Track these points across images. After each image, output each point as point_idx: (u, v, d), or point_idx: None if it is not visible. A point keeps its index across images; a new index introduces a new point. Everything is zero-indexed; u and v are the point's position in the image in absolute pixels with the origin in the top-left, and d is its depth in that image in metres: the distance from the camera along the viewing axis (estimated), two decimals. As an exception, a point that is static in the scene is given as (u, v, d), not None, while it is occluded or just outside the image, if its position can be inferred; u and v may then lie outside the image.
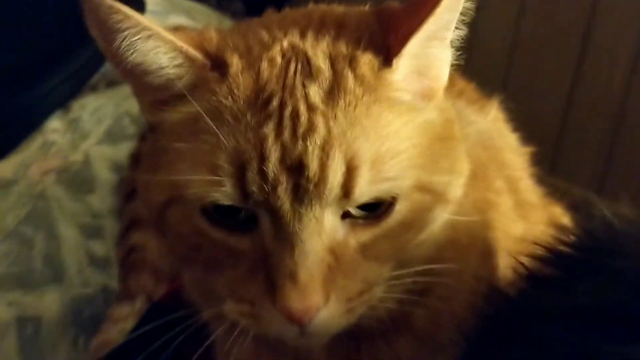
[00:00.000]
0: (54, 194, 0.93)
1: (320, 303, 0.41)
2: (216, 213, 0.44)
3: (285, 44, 0.45)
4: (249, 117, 0.42)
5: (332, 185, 0.41)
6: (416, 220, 0.45)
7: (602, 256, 0.47)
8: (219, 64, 0.45)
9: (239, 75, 0.44)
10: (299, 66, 0.44)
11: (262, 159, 0.41)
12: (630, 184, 1.19)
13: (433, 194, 0.46)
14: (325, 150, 0.41)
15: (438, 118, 0.47)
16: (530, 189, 0.73)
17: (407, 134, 0.44)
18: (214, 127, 0.42)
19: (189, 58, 0.45)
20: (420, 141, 0.45)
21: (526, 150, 0.80)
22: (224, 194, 0.42)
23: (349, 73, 0.43)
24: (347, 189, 0.41)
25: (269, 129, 0.42)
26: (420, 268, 0.47)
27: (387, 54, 0.44)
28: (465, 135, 0.55)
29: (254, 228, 0.43)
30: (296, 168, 0.41)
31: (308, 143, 0.41)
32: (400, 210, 0.44)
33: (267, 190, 0.41)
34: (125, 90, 0.50)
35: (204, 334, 0.50)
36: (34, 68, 1.03)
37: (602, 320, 0.44)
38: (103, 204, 0.95)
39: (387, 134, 0.43)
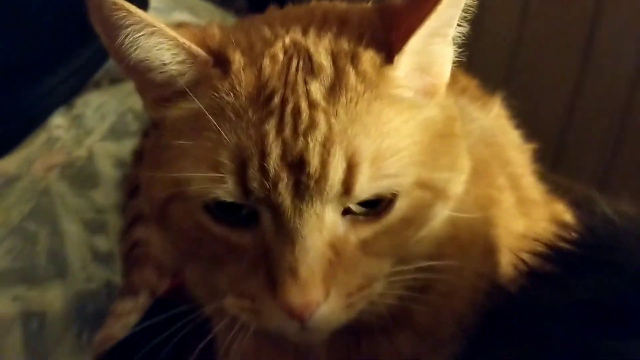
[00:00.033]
0: (57, 189, 0.93)
1: (321, 298, 0.42)
2: (218, 209, 0.44)
3: (287, 40, 0.45)
4: (250, 113, 0.42)
5: (332, 181, 0.41)
6: (416, 217, 0.46)
7: (603, 253, 0.47)
8: (221, 61, 0.45)
9: (241, 71, 0.44)
10: (301, 63, 0.44)
11: (263, 155, 0.41)
12: (633, 181, 1.18)
13: (433, 191, 0.46)
14: (326, 147, 0.41)
15: (439, 115, 0.47)
16: (532, 186, 0.73)
17: (408, 131, 0.44)
18: (216, 123, 0.42)
19: (191, 54, 0.45)
20: (421, 138, 0.45)
21: (529, 147, 0.80)
22: (226, 190, 0.42)
23: (351, 70, 0.43)
24: (347, 185, 0.42)
25: (270, 126, 0.42)
26: (420, 264, 0.47)
27: (389, 51, 0.44)
28: (468, 132, 0.55)
29: (256, 224, 0.44)
30: (297, 165, 0.41)
31: (309, 140, 0.41)
32: (400, 206, 0.44)
33: (268, 186, 0.41)
34: (129, 87, 0.50)
35: (206, 329, 0.51)
36: (37, 65, 1.03)
37: (601, 316, 0.44)
38: (106, 199, 0.95)
39: (388, 131, 0.43)
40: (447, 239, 0.50)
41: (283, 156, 0.41)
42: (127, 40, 0.44)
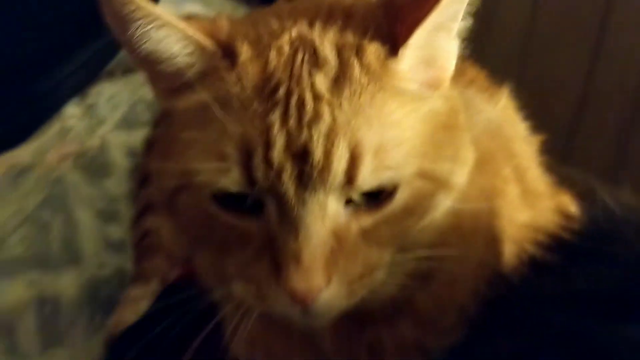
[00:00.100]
0: (71, 179, 0.95)
1: (322, 284, 0.42)
2: (225, 198, 0.45)
3: (293, 33, 0.46)
4: (256, 105, 0.43)
5: (336, 172, 0.42)
6: (417, 207, 0.46)
7: (602, 244, 0.47)
8: (229, 53, 0.45)
9: (248, 63, 0.44)
10: (306, 55, 0.44)
11: (268, 146, 0.42)
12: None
13: (435, 182, 0.46)
14: (330, 139, 0.42)
15: (443, 107, 0.48)
16: (538, 178, 0.73)
17: (411, 123, 0.45)
18: (222, 115, 0.43)
19: (199, 46, 0.45)
20: (425, 130, 0.45)
21: (536, 139, 0.80)
22: (231, 181, 0.43)
23: (355, 62, 0.44)
24: (350, 176, 0.42)
25: (275, 117, 0.42)
26: (422, 253, 0.48)
27: (393, 44, 0.45)
28: (474, 124, 0.55)
29: (261, 212, 0.44)
30: (301, 155, 0.42)
31: (313, 131, 0.42)
32: (401, 196, 0.45)
33: (272, 176, 0.42)
34: (141, 77, 0.51)
35: (214, 314, 0.52)
36: (50, 55, 1.05)
37: (600, 305, 0.45)
38: (119, 188, 0.97)
39: (391, 123, 0.44)
40: (450, 229, 0.50)
41: (287, 147, 0.42)
42: (137, 32, 0.44)
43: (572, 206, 0.73)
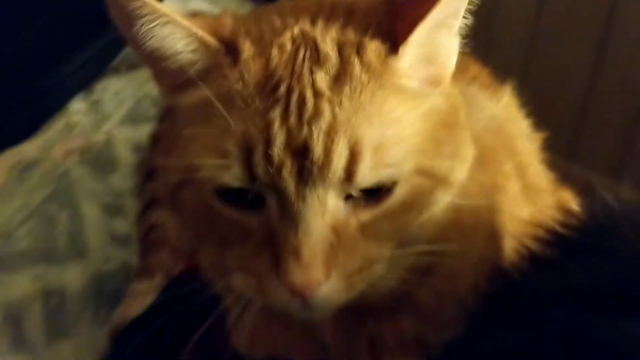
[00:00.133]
0: (76, 173, 0.96)
1: (322, 278, 0.43)
2: (226, 193, 0.45)
3: (296, 30, 0.46)
4: (257, 102, 0.44)
5: (335, 168, 0.42)
6: (415, 203, 0.46)
7: (601, 239, 0.48)
8: (231, 50, 0.46)
9: (250, 60, 0.45)
10: (308, 53, 0.45)
11: (268, 143, 0.42)
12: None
13: (434, 179, 0.47)
14: (330, 136, 0.42)
15: (444, 104, 0.48)
16: (539, 174, 0.73)
17: (411, 120, 0.45)
18: (224, 111, 0.43)
19: (203, 43, 0.46)
20: (424, 127, 0.46)
21: (538, 136, 0.80)
22: (232, 176, 0.43)
23: (356, 60, 0.44)
24: (349, 173, 0.43)
25: (276, 114, 0.43)
26: (423, 248, 0.48)
27: (394, 42, 0.45)
28: (476, 121, 0.56)
29: (262, 207, 0.45)
30: (301, 152, 0.42)
31: (313, 128, 0.42)
32: (399, 192, 0.45)
33: (272, 172, 0.43)
34: (146, 72, 0.51)
35: (217, 307, 0.53)
36: (57, 50, 1.05)
37: (596, 299, 0.45)
38: (124, 183, 0.97)
39: (391, 120, 0.44)
40: (451, 224, 0.51)
41: (287, 143, 0.43)
42: (142, 29, 0.45)
43: (573, 202, 0.73)
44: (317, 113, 0.43)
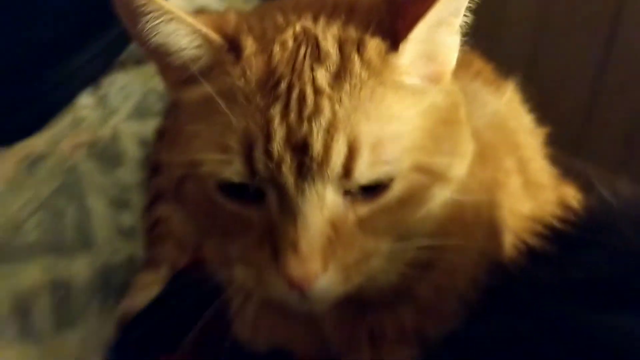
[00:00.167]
0: (84, 167, 0.97)
1: (319, 271, 0.44)
2: (228, 187, 0.46)
3: (298, 27, 0.47)
4: (258, 98, 0.44)
5: (334, 165, 0.43)
6: (413, 198, 0.47)
7: (598, 234, 0.48)
8: (234, 46, 0.46)
9: (252, 57, 0.46)
10: (309, 50, 0.45)
11: (268, 139, 0.43)
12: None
13: (432, 175, 0.47)
14: (329, 133, 0.43)
15: (444, 101, 0.48)
16: (541, 170, 0.73)
17: (410, 117, 0.45)
18: (226, 107, 0.44)
19: (207, 40, 0.47)
20: (424, 124, 0.46)
21: (541, 132, 0.80)
22: (233, 172, 0.44)
23: (356, 57, 0.45)
24: (348, 169, 0.43)
25: (276, 111, 0.43)
26: (422, 243, 0.49)
27: (394, 39, 0.46)
28: (478, 116, 0.56)
29: (262, 201, 0.46)
30: (301, 148, 0.43)
31: (313, 125, 0.43)
32: (397, 188, 0.46)
33: (272, 168, 0.43)
34: (152, 68, 0.52)
35: (222, 299, 0.54)
36: (64, 45, 1.06)
37: (593, 293, 0.46)
38: (131, 177, 0.98)
39: (390, 118, 0.45)
40: (451, 219, 0.51)
41: (287, 139, 0.43)
42: (147, 26, 0.46)
43: (574, 198, 0.74)
44: (317, 110, 0.43)
